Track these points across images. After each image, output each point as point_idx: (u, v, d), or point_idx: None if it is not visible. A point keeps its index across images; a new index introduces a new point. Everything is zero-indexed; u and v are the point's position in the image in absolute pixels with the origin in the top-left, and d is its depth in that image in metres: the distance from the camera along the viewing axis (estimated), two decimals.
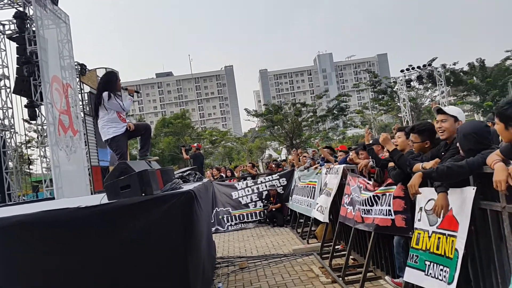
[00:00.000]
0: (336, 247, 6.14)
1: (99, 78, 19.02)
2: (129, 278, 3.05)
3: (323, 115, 31.18)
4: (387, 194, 4.27)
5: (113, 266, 3.04)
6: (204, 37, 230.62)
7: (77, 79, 15.40)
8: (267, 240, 8.58)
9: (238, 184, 10.88)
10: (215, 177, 12.25)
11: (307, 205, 7.61)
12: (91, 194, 12.73)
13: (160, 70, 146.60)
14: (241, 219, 10.44)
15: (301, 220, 8.71)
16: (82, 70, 16.67)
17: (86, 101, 17.27)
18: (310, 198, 7.50)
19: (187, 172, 6.01)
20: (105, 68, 17.89)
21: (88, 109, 17.15)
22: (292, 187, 9.53)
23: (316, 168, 7.79)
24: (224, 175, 12.68)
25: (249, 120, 34.24)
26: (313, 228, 7.84)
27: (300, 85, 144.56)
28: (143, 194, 3.22)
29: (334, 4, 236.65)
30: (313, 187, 7.44)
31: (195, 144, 12.73)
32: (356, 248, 5.52)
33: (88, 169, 14.39)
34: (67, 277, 2.96)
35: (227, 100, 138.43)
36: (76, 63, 15.22)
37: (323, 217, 6.31)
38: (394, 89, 31.00)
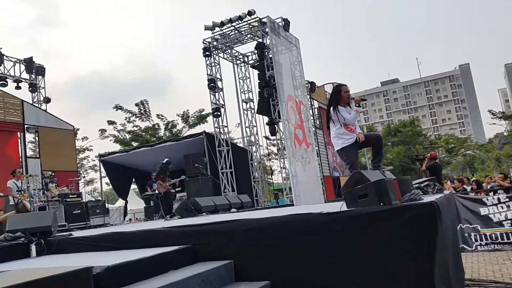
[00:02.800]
0: None
1: (327, 93, 20.14)
2: (365, 285, 3.01)
3: None
4: None
5: (348, 270, 3.09)
6: (430, 37, 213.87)
7: (308, 96, 16.61)
8: None
9: (488, 199, 9.34)
10: (457, 190, 10.94)
11: None
12: (325, 202, 13.31)
13: (385, 78, 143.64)
14: (493, 239, 8.89)
15: None
16: (312, 87, 17.96)
17: (316, 115, 18.43)
18: None
19: (425, 183, 5.53)
20: (332, 83, 18.70)
21: (318, 123, 18.24)
22: None
23: None
24: (468, 188, 11.19)
25: (494, 123, 29.52)
26: None
27: None
28: (381, 204, 3.15)
29: None
30: None
31: (429, 154, 11.68)
32: None
33: (321, 179, 15.19)
34: (307, 273, 3.24)
35: (464, 102, 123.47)
36: (306, 82, 16.46)
37: None
38: None
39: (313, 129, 16.56)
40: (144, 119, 26.33)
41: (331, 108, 5.16)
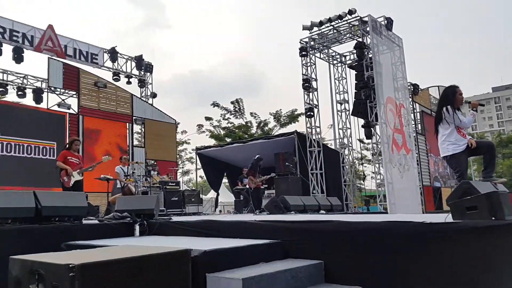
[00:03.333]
0: None
1: (432, 96, 18.85)
2: None
3: None
4: None
5: (446, 285, 2.91)
6: None
7: (410, 99, 15.71)
8: None
9: None
10: None
11: None
12: (423, 213, 12.54)
13: (498, 83, 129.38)
14: None
15: None
16: (414, 90, 16.96)
17: (418, 120, 17.36)
18: None
19: None
20: (438, 86, 17.46)
21: (419, 128, 17.16)
22: None
23: None
24: None
25: None
26: None
27: None
28: (492, 218, 2.89)
29: None
30: None
31: None
32: None
33: (420, 188, 14.28)
34: (402, 283, 3.09)
35: None
36: (409, 84, 15.58)
37: None
38: None
39: (414, 135, 15.61)
40: (238, 117, 27.24)
41: (445, 108, 4.81)
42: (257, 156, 12.10)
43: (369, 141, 14.55)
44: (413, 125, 16.13)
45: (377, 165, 13.87)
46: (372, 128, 13.47)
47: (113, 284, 1.97)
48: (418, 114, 17.54)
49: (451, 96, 4.90)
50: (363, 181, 23.03)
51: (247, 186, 12.02)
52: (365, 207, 17.20)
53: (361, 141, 18.01)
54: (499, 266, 2.77)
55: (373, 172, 14.27)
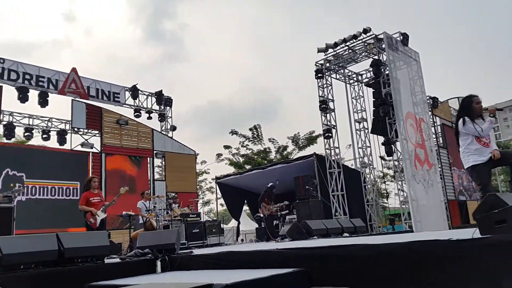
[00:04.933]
0: None
1: (452, 108, 18.55)
2: None
3: None
4: None
5: None
6: None
7: (430, 113, 15.51)
8: None
9: None
10: None
11: None
12: (449, 229, 12.13)
13: None
14: None
15: None
16: (434, 103, 16.79)
17: (439, 133, 17.08)
18: None
19: None
20: (458, 97, 17.22)
21: (441, 142, 16.84)
22: None
23: None
24: None
25: None
26: None
27: None
28: None
29: None
30: None
31: None
32: None
33: (445, 203, 13.87)
34: None
35: None
36: (428, 97, 15.41)
37: None
38: None
39: (436, 148, 15.29)
40: (257, 143, 27.31)
41: (461, 120, 4.75)
42: (270, 184, 12.08)
43: (391, 158, 14.27)
44: (435, 139, 15.85)
45: (399, 182, 13.58)
46: (392, 145, 13.26)
47: None
48: (438, 127, 17.29)
49: (466, 106, 4.84)
50: (387, 199, 22.54)
51: (261, 214, 11.94)
52: (390, 226, 16.80)
53: (382, 158, 17.68)
54: None
55: (399, 189, 13.94)
